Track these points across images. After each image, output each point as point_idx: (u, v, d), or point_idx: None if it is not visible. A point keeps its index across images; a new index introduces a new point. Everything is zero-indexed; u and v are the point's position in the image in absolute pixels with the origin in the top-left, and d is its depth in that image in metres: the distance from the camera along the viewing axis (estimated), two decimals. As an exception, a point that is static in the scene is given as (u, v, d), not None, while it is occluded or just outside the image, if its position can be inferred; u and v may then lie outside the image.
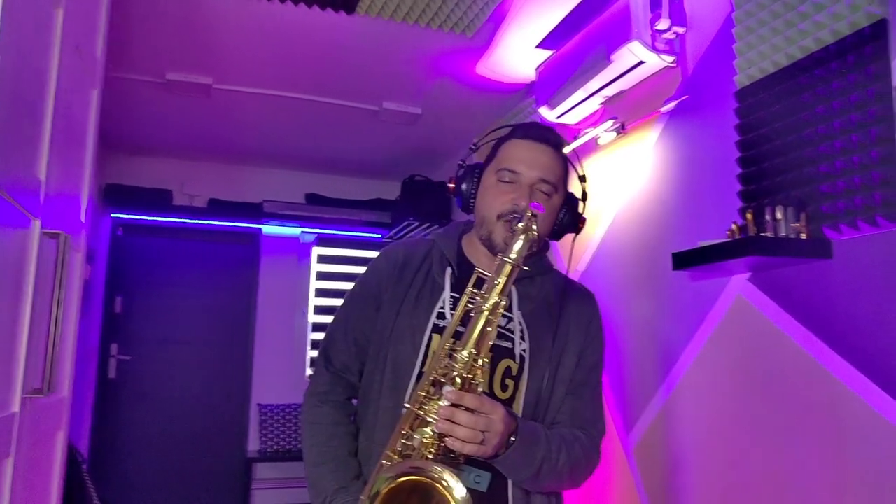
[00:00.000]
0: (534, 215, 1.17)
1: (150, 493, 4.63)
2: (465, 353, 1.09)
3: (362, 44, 3.00)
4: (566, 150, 1.40)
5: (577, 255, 2.94)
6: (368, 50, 3.06)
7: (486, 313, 1.11)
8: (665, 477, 2.31)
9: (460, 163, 1.43)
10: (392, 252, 1.45)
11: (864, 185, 1.59)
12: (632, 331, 2.55)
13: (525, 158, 1.31)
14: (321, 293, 5.15)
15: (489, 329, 1.12)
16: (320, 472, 1.29)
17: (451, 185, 1.41)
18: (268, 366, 4.99)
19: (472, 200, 1.38)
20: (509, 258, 1.13)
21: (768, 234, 1.78)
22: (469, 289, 1.17)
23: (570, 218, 1.39)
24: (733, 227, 1.88)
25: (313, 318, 5.09)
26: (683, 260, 1.98)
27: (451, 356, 1.11)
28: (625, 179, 2.65)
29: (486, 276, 1.16)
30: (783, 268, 1.85)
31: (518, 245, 1.13)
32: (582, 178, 1.44)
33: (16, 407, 1.25)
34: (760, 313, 1.93)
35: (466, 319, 1.15)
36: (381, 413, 1.28)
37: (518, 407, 1.28)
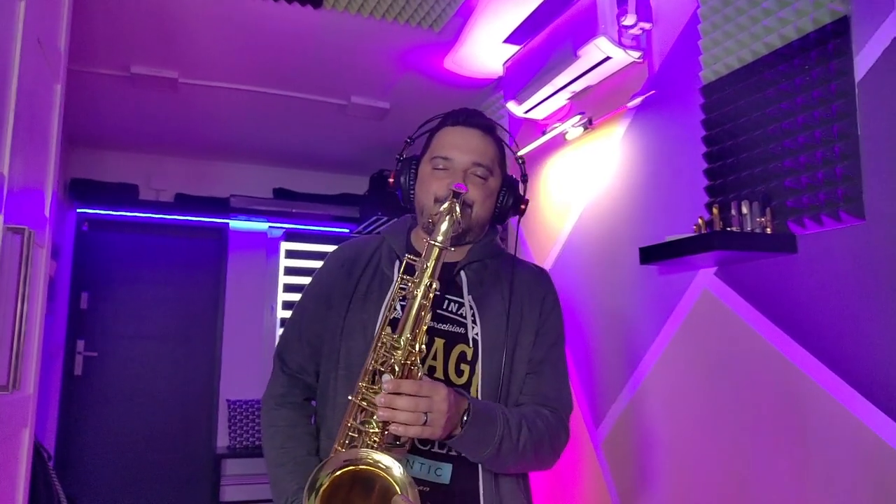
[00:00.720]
0: (456, 195, 1.18)
1: (118, 490, 4.58)
2: (401, 339, 1.10)
3: (330, 38, 2.99)
4: (522, 153, 1.41)
5: (545, 249, 2.97)
6: (336, 44, 3.05)
7: (418, 298, 1.12)
8: (633, 470, 2.35)
9: (397, 157, 1.45)
10: (340, 251, 1.47)
11: (827, 181, 1.62)
12: (599, 325, 2.58)
13: (457, 144, 1.34)
14: (289, 288, 5.14)
15: (423, 313, 1.12)
16: (280, 474, 1.30)
17: (391, 181, 1.43)
18: (236, 361, 4.95)
19: (411, 193, 1.40)
20: (436, 241, 1.13)
21: (734, 228, 1.80)
22: (399, 275, 1.18)
23: (511, 200, 1.40)
24: (700, 221, 1.90)
25: (282, 313, 5.08)
26: (650, 254, 2.00)
27: (388, 345, 1.12)
28: (592, 174, 2.68)
29: (414, 261, 1.17)
30: (749, 262, 1.88)
31: (444, 226, 1.14)
32: (520, 160, 1.46)
33: (-20, 404, 1.24)
34: (727, 307, 1.95)
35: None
36: (338, 410, 1.28)
37: (475, 391, 1.28)
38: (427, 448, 1.25)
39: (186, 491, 4.74)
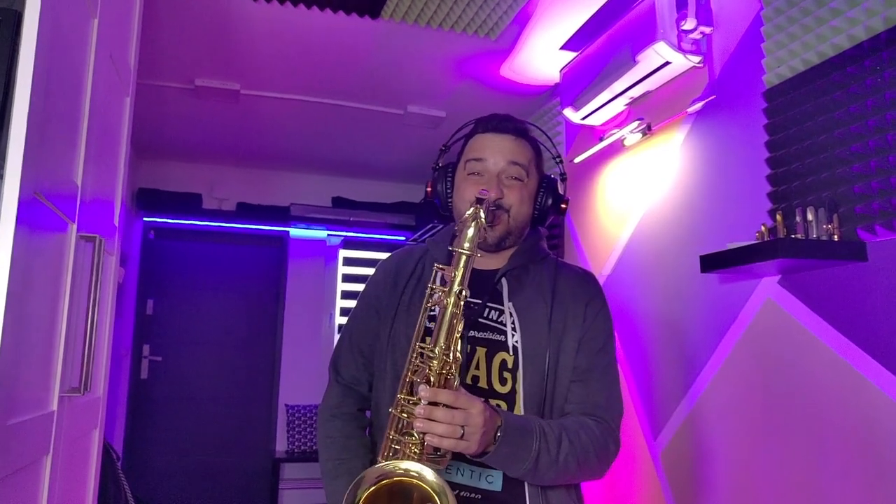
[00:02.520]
0: (479, 201, 1.17)
1: (181, 491, 4.72)
2: (435, 349, 1.09)
3: (387, 48, 3.03)
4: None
5: (602, 256, 2.93)
6: (393, 54, 3.09)
7: (449, 306, 1.11)
8: (693, 483, 2.29)
9: (433, 166, 1.45)
10: (386, 262, 1.48)
11: (901, 186, 1.55)
12: (659, 334, 2.53)
13: (490, 146, 1.34)
14: (347, 295, 5.20)
15: (455, 322, 1.11)
16: (335, 487, 1.30)
17: (429, 189, 1.43)
18: (295, 367, 5.04)
19: (449, 200, 1.40)
20: (462, 248, 1.13)
21: (799, 235, 1.75)
22: (430, 285, 1.17)
23: (550, 200, 1.39)
24: (762, 228, 1.86)
25: (339, 319, 5.15)
26: (711, 262, 1.96)
27: (422, 355, 1.12)
28: (651, 181, 2.64)
29: (443, 269, 1.16)
30: (815, 270, 1.82)
31: (469, 233, 1.13)
32: (557, 158, 1.45)
33: (54, 405, 1.28)
34: (791, 317, 1.89)
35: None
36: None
37: (519, 400, 1.26)
38: None
39: (246, 493, 4.84)
